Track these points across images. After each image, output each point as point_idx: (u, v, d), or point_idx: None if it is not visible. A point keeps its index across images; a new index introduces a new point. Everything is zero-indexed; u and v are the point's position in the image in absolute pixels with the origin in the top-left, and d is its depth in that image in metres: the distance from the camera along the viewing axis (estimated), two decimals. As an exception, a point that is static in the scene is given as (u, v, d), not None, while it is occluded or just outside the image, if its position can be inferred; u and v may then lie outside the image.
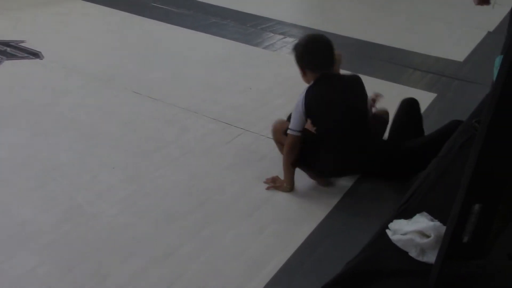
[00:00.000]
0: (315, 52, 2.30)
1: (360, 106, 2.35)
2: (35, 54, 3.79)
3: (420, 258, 1.42)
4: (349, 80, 2.37)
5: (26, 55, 3.78)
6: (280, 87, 3.62)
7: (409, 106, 2.65)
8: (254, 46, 4.40)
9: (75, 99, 3.23)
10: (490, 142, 0.95)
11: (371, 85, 3.08)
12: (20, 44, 3.94)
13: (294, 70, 4.02)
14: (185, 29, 4.68)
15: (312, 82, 2.33)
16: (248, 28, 4.86)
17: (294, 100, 3.44)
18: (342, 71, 2.57)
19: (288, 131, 2.33)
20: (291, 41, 4.63)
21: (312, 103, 2.25)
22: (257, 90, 3.54)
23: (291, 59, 4.07)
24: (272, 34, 4.75)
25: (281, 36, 4.71)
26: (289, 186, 2.40)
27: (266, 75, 3.83)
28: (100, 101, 3.23)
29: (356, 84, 2.36)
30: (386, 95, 2.71)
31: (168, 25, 4.73)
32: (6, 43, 3.93)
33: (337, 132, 2.29)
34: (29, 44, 3.94)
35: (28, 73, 3.53)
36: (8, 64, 3.62)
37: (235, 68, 3.90)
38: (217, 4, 5.52)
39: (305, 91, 2.30)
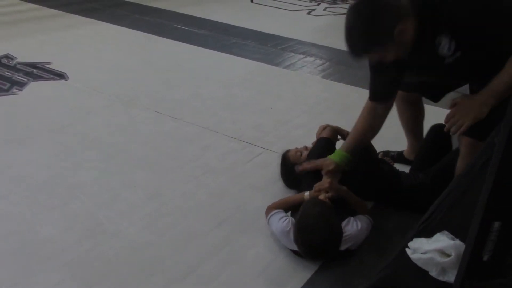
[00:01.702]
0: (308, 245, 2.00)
1: None
2: (60, 75, 3.88)
3: (440, 278, 1.40)
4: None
5: (51, 76, 3.87)
6: (300, 106, 3.63)
7: (436, 133, 2.55)
8: (274, 65, 4.43)
9: (98, 118, 3.29)
10: (508, 158, 0.93)
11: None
12: (46, 65, 4.04)
13: (314, 89, 4.05)
14: (206, 49, 4.74)
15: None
16: (269, 48, 4.90)
17: (315, 119, 3.46)
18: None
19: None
20: (312, 61, 4.65)
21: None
22: (278, 109, 3.56)
23: (311, 78, 4.11)
24: (292, 54, 4.78)
25: (302, 56, 4.74)
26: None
27: (287, 94, 3.85)
28: (122, 120, 3.28)
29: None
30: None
31: (190, 46, 4.80)
32: (33, 65, 4.03)
33: None
34: (55, 66, 4.03)
35: (53, 94, 3.61)
36: (34, 85, 3.71)
37: (256, 88, 3.92)
38: (238, 25, 5.59)
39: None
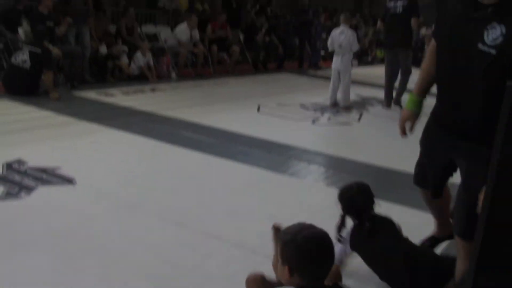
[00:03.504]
0: (317, 259, 1.78)
1: None
2: (69, 180, 3.96)
3: None
4: None
5: (60, 181, 3.95)
6: (304, 214, 3.62)
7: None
8: (279, 173, 4.50)
9: (102, 224, 3.30)
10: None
11: (398, 213, 3.09)
12: (55, 170, 4.13)
13: (318, 197, 4.08)
14: (212, 156, 4.85)
15: None
16: (273, 156, 5.01)
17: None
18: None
19: None
20: (316, 169, 4.73)
21: None
22: (281, 217, 3.56)
23: (315, 186, 4.15)
24: (297, 162, 4.88)
25: (306, 164, 4.83)
26: None
27: (291, 202, 3.88)
28: (126, 226, 3.29)
29: None
30: (412, 223, 2.70)
31: (197, 153, 4.91)
32: (43, 170, 4.13)
33: None
34: (64, 171, 4.13)
35: (60, 199, 3.65)
36: (43, 190, 3.77)
37: (260, 195, 3.96)
38: (244, 133, 5.76)
39: None
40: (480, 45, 1.94)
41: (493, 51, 1.90)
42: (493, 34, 1.89)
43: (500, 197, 1.02)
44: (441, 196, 2.64)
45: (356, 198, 2.71)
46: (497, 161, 1.00)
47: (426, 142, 2.57)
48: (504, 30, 1.87)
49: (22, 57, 6.87)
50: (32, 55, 6.82)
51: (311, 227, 1.85)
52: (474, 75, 2.01)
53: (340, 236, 2.71)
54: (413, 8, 7.45)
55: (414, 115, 2.61)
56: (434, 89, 2.50)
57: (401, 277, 2.49)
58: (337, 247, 2.37)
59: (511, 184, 1.03)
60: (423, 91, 2.57)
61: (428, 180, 2.60)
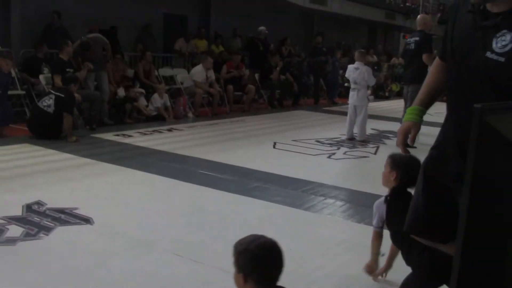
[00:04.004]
0: (268, 264, 1.98)
1: None
2: (86, 220, 4.01)
3: None
4: None
5: (77, 221, 4.00)
6: (319, 248, 3.62)
7: None
8: (294, 207, 4.50)
9: (118, 263, 3.32)
10: None
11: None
12: (73, 211, 4.19)
13: (333, 230, 4.06)
14: (228, 193, 4.88)
15: None
16: (289, 191, 5.02)
17: (333, 261, 3.43)
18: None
19: None
20: (332, 202, 4.72)
21: None
22: (296, 251, 3.55)
23: (331, 219, 4.14)
24: (313, 196, 4.88)
25: (322, 198, 4.82)
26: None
27: (306, 236, 3.87)
28: (142, 264, 3.31)
29: None
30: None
31: (213, 190, 4.95)
32: (61, 210, 4.19)
33: None
34: (82, 211, 4.19)
35: (77, 239, 3.70)
36: (61, 230, 3.83)
37: (275, 230, 3.94)
38: (260, 169, 5.80)
39: None
40: (488, 54, 1.90)
41: (501, 59, 1.86)
42: (502, 41, 1.85)
43: (476, 219, 1.03)
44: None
45: (414, 163, 2.72)
46: (470, 183, 1.01)
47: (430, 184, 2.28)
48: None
49: (47, 102, 7.09)
50: (57, 100, 7.04)
51: (262, 237, 2.03)
52: (484, 85, 1.96)
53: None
54: (425, 44, 7.43)
55: (416, 125, 2.40)
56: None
57: None
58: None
59: (485, 204, 1.04)
60: (425, 104, 2.44)
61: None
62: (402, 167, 2.79)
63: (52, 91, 7.26)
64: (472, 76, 2.02)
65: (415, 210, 2.30)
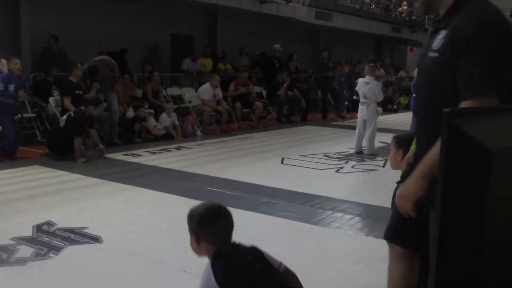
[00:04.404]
0: (214, 222, 2.16)
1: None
2: (95, 239, 4.04)
3: None
4: (248, 251, 2.25)
5: (87, 240, 4.04)
6: (327, 261, 3.61)
7: None
8: (302, 222, 4.50)
9: (128, 280, 3.35)
10: None
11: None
12: (82, 230, 4.23)
13: (341, 244, 4.05)
14: (237, 209, 4.87)
15: (212, 257, 2.15)
16: (297, 205, 5.02)
17: (341, 274, 3.42)
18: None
19: None
20: (340, 216, 4.72)
21: (224, 279, 2.06)
22: (304, 265, 3.54)
23: (339, 233, 4.13)
24: (321, 210, 4.88)
25: (330, 212, 4.82)
26: None
27: (314, 250, 3.86)
28: (152, 281, 3.33)
29: (256, 254, 2.24)
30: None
31: (221, 207, 4.96)
32: (70, 230, 4.23)
33: None
34: (91, 230, 4.22)
35: (86, 257, 3.73)
36: (70, 249, 3.86)
37: (284, 244, 3.96)
38: (268, 185, 5.81)
39: (209, 270, 2.10)
40: (429, 53, 2.01)
41: (435, 55, 1.95)
42: (438, 40, 1.95)
43: (449, 220, 1.05)
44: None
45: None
46: (442, 188, 1.03)
47: None
48: (445, 33, 1.93)
49: (64, 117, 7.33)
50: (68, 118, 7.18)
51: (209, 202, 2.26)
52: (424, 84, 2.08)
53: None
54: None
55: None
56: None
57: None
58: None
59: (458, 208, 1.06)
60: None
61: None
62: (407, 144, 2.80)
63: (70, 112, 7.41)
64: (419, 78, 2.16)
65: (390, 217, 2.42)
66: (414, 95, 9.10)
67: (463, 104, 1.80)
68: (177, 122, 9.64)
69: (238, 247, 2.22)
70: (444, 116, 1.10)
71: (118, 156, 7.64)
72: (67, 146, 7.12)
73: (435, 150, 1.76)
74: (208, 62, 12.79)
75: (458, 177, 1.09)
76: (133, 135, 9.14)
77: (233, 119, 11.07)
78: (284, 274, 2.23)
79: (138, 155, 7.72)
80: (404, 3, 21.49)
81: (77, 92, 7.98)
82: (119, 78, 9.43)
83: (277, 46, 13.32)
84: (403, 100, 16.47)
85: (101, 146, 7.54)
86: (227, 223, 2.18)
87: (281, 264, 2.25)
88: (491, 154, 1.08)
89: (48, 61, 9.72)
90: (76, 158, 7.03)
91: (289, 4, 13.63)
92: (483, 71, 1.79)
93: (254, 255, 2.22)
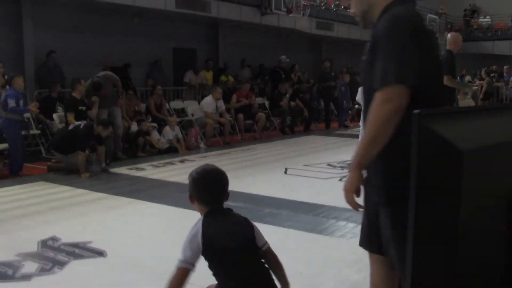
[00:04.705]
0: (206, 187, 2.35)
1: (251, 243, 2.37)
2: (100, 253, 4.07)
3: None
4: (238, 219, 2.42)
5: (91, 254, 4.06)
6: (330, 270, 3.62)
7: None
8: (305, 232, 4.51)
9: (132, 293, 3.36)
10: None
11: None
12: (87, 244, 4.26)
13: (345, 252, 4.05)
14: (240, 220, 4.90)
15: (204, 215, 2.37)
16: (301, 215, 5.04)
17: (345, 283, 3.42)
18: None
19: (178, 263, 2.38)
20: (343, 225, 4.72)
21: (210, 235, 2.30)
22: (307, 274, 3.56)
23: (342, 241, 4.13)
24: (324, 219, 4.89)
25: (334, 220, 4.83)
26: None
27: (318, 259, 3.87)
28: (155, 294, 3.34)
29: (245, 224, 2.40)
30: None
31: (225, 218, 4.98)
32: (75, 245, 4.26)
33: (233, 267, 2.32)
34: (95, 244, 4.25)
35: (91, 271, 3.75)
36: (75, 263, 3.88)
37: (287, 254, 3.93)
38: (272, 195, 5.83)
39: (200, 224, 2.34)
40: (363, 57, 2.16)
41: (364, 57, 2.13)
42: (367, 45, 2.12)
43: (423, 219, 1.07)
44: None
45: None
46: (415, 188, 1.05)
47: None
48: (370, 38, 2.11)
49: (72, 125, 7.44)
50: (76, 128, 7.28)
51: (207, 165, 2.46)
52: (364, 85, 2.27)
53: None
54: (445, 64, 6.64)
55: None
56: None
57: None
58: None
59: (431, 207, 1.08)
60: None
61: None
62: None
63: (80, 122, 7.48)
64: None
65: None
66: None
67: (376, 96, 1.95)
68: (180, 135, 9.69)
69: (229, 213, 2.40)
70: (413, 117, 1.13)
71: (122, 170, 7.68)
72: (71, 147, 7.20)
73: (362, 141, 2.02)
74: (210, 75, 12.88)
75: (431, 176, 1.12)
76: (137, 149, 9.18)
77: (236, 131, 11.11)
78: (266, 253, 2.39)
79: (142, 169, 7.75)
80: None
81: (80, 108, 8.04)
82: (122, 93, 9.50)
83: (283, 57, 13.41)
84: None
85: (103, 165, 7.56)
86: (219, 188, 2.35)
87: (265, 243, 2.41)
88: (463, 153, 1.11)
89: (44, 76, 9.83)
90: (80, 172, 7.08)
91: (290, 15, 13.71)
92: (390, 64, 1.92)
93: (242, 226, 2.37)
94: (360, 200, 2.16)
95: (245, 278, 2.33)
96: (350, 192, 2.05)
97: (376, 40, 2.02)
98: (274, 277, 2.41)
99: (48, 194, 6.24)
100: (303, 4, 14.20)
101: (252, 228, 2.38)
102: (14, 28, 9.89)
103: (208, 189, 2.34)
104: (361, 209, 2.19)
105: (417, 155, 1.09)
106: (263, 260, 2.39)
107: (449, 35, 7.08)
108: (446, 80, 6.55)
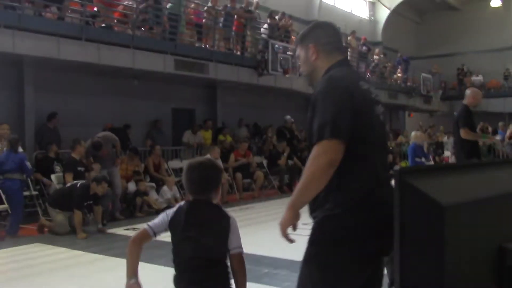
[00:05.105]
0: (189, 178, 2.54)
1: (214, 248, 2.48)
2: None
3: None
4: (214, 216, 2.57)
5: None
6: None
7: None
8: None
9: None
10: None
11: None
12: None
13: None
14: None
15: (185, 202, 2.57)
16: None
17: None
18: None
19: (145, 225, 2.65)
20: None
21: (177, 219, 2.52)
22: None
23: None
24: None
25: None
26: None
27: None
28: None
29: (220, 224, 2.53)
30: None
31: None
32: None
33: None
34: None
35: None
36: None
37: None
38: (270, 255, 5.77)
39: (177, 207, 2.56)
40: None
41: (308, 114, 2.27)
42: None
43: (408, 272, 1.08)
44: None
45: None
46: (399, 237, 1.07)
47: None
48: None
49: (72, 183, 7.53)
50: (73, 187, 7.35)
51: (201, 158, 2.70)
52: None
53: None
54: (459, 117, 6.71)
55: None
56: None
57: None
58: None
59: (415, 260, 1.10)
60: None
61: None
62: None
63: (77, 182, 7.52)
64: None
65: None
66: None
67: (313, 149, 2.11)
68: (178, 195, 9.68)
69: (210, 206, 2.57)
70: (395, 174, 1.18)
71: (119, 231, 7.62)
72: (68, 204, 7.20)
73: (297, 186, 2.21)
74: (208, 135, 13.02)
75: (414, 230, 1.15)
76: (135, 209, 9.15)
77: (234, 190, 11.11)
78: (232, 257, 2.49)
79: (139, 230, 7.68)
80: (399, 70, 22.04)
81: (79, 169, 8.09)
82: (120, 152, 9.58)
83: (288, 117, 13.62)
84: (403, 164, 16.55)
85: (100, 226, 7.54)
86: (201, 180, 2.52)
87: (237, 248, 2.50)
88: (444, 209, 1.14)
89: (44, 137, 9.95)
90: (76, 233, 7.03)
91: (286, 76, 14.02)
92: (326, 120, 2.09)
93: (218, 225, 2.53)
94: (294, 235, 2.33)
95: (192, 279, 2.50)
96: (285, 227, 2.28)
97: (316, 99, 2.20)
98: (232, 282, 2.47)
99: (43, 256, 6.19)
100: (299, 65, 14.51)
101: (228, 227, 2.54)
102: (16, 90, 10.07)
103: (190, 180, 2.53)
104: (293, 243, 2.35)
105: (399, 210, 1.13)
106: (227, 262, 2.47)
107: (468, 91, 6.99)
108: (463, 134, 6.57)
